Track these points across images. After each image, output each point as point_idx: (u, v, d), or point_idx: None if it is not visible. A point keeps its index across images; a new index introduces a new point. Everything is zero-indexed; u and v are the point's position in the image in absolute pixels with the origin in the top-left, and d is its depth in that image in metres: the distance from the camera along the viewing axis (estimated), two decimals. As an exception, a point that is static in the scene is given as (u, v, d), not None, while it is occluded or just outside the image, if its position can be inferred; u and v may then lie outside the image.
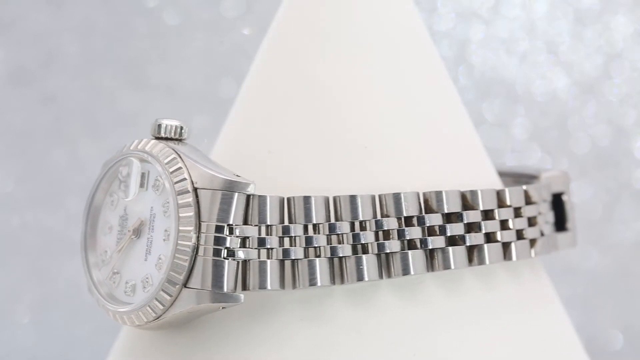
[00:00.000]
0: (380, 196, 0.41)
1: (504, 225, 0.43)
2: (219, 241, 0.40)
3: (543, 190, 0.45)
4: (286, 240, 0.40)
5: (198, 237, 0.40)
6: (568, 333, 0.48)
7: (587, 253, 0.85)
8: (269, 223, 0.40)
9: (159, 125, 0.44)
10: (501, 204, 0.43)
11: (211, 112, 0.85)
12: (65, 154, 0.86)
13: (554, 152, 0.87)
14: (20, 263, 0.86)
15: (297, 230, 0.40)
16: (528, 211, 0.44)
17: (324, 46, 0.46)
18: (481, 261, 0.42)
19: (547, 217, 0.46)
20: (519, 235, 0.43)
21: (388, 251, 0.41)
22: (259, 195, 0.40)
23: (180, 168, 0.41)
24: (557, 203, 0.48)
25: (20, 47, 0.87)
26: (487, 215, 0.43)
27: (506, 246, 0.43)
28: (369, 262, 0.40)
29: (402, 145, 0.45)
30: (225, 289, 0.40)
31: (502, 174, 0.51)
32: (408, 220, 0.41)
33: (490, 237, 0.43)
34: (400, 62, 0.47)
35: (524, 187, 0.44)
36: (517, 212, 0.43)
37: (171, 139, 0.43)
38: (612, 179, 0.87)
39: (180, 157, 0.42)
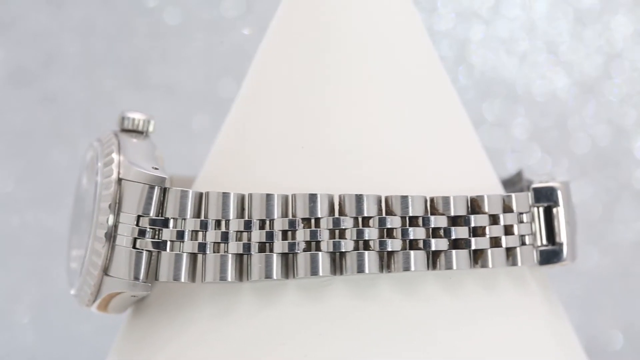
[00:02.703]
0: (293, 196, 0.41)
1: (436, 233, 0.42)
2: (136, 232, 0.41)
3: (517, 201, 0.43)
4: (201, 234, 0.41)
5: (117, 227, 0.41)
6: (568, 333, 0.48)
7: (587, 253, 0.85)
8: (187, 217, 0.41)
9: (123, 118, 0.45)
10: (434, 211, 0.42)
11: (211, 112, 0.85)
12: (65, 154, 0.86)
13: (554, 152, 0.87)
14: (20, 263, 0.86)
15: (211, 225, 0.41)
16: (477, 221, 0.42)
17: (322, 47, 0.46)
18: (405, 267, 0.41)
19: (518, 229, 0.43)
20: (458, 244, 0.42)
21: (297, 251, 0.41)
22: (181, 190, 0.41)
23: (112, 160, 0.43)
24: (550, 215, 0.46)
25: (20, 47, 0.87)
26: (413, 222, 0.42)
27: (437, 255, 0.42)
28: (277, 261, 0.41)
29: (399, 147, 0.45)
30: (140, 279, 0.41)
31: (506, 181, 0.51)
32: (317, 222, 0.41)
33: (413, 245, 0.42)
34: (398, 63, 0.46)
35: (471, 195, 0.43)
36: (457, 221, 0.42)
37: (135, 132, 0.45)
38: (612, 179, 0.87)
39: (119, 149, 0.43)
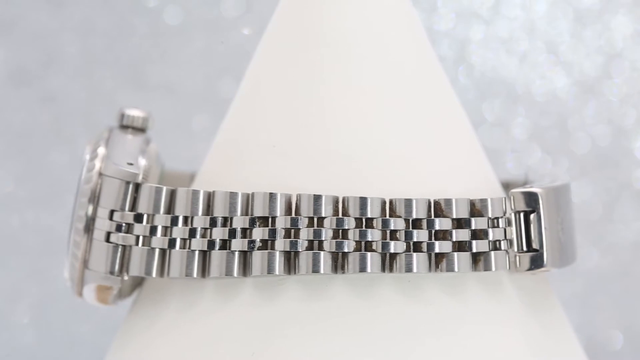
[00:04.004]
0: (252, 194, 0.42)
1: (394, 236, 0.42)
2: (113, 227, 0.42)
3: (492, 205, 0.43)
4: (171, 230, 0.42)
5: (94, 221, 0.43)
6: (568, 333, 0.48)
7: (587, 253, 0.85)
8: (159, 213, 0.42)
9: (122, 115, 0.47)
10: (392, 213, 0.42)
11: (211, 112, 0.85)
12: (65, 154, 0.87)
13: (554, 152, 0.87)
14: (20, 263, 0.86)
15: (181, 222, 0.42)
16: (441, 224, 0.42)
17: (320, 47, 0.46)
18: (360, 268, 0.41)
19: (492, 234, 0.42)
20: (417, 247, 0.42)
21: (254, 250, 0.41)
22: (155, 186, 0.42)
23: (96, 155, 0.44)
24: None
25: (20, 47, 0.87)
26: (368, 223, 0.42)
27: (393, 257, 0.42)
28: (236, 259, 0.42)
29: (398, 147, 0.45)
30: (115, 272, 0.43)
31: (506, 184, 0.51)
32: (274, 221, 0.41)
33: (369, 247, 0.41)
34: (397, 63, 0.46)
35: (435, 198, 0.42)
36: (417, 224, 0.42)
37: (131, 128, 0.46)
38: (612, 179, 0.87)
39: (107, 144, 0.44)
